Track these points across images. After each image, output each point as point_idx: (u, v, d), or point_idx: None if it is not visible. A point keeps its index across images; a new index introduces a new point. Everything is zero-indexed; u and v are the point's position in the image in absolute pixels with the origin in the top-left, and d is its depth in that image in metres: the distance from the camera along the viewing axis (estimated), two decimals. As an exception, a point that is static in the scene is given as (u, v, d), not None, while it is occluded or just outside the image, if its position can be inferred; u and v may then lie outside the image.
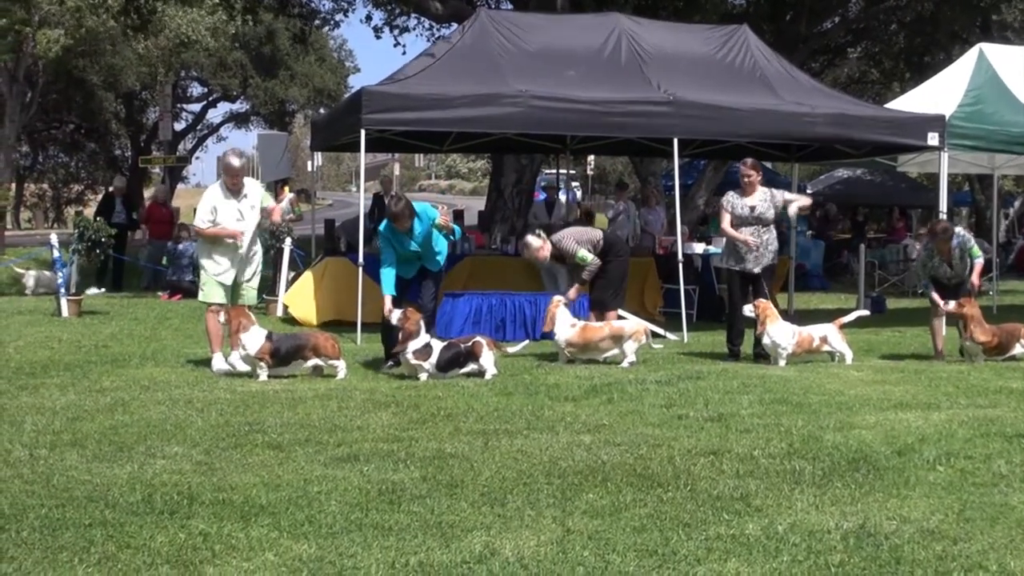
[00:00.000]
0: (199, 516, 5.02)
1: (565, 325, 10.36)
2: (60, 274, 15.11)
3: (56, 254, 15.35)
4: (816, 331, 10.53)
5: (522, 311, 12.52)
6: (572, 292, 11.07)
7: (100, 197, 25.61)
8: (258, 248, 10.25)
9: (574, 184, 31.87)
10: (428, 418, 7.52)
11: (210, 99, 52.37)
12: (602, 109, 12.82)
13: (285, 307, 14.89)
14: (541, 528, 4.90)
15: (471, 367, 9.48)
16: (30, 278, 17.90)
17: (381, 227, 10.21)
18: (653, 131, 13.36)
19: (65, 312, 14.72)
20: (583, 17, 16.03)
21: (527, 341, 10.61)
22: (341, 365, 9.43)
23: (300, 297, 14.48)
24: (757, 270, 10.77)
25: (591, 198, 53.74)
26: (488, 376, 9.39)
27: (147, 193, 46.52)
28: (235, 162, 9.93)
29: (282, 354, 9.26)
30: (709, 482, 5.74)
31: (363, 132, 12.41)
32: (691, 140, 13.81)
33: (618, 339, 10.37)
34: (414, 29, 29.10)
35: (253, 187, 10.18)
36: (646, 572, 4.36)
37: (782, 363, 10.25)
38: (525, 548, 4.60)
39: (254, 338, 9.16)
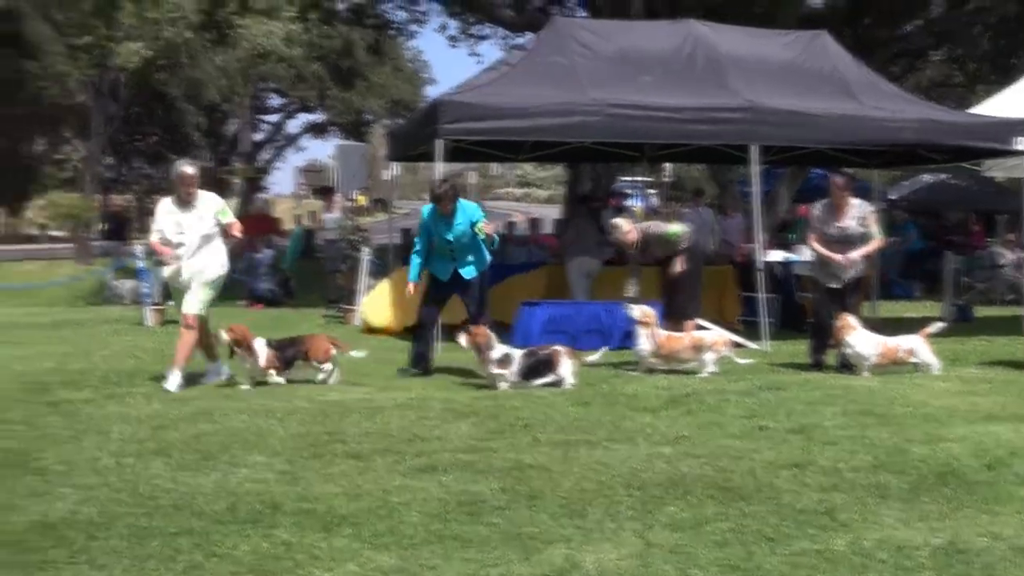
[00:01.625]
0: (282, 525, 5.06)
1: (647, 334, 10.30)
2: (145, 284, 15.38)
3: (141, 264, 15.63)
4: (903, 342, 10.35)
5: (598, 320, 12.46)
6: (631, 288, 11.17)
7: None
8: (209, 263, 9.55)
9: (650, 191, 31.67)
10: (507, 428, 7.51)
11: (288, 110, 53.03)
12: (679, 116, 12.73)
13: (363, 318, 14.98)
14: (622, 541, 4.86)
15: (550, 377, 9.46)
16: (125, 287, 18.23)
17: (423, 211, 10.32)
18: (731, 138, 13.22)
19: (149, 321, 14.99)
20: (658, 24, 15.95)
21: (605, 349, 10.56)
22: (327, 368, 9.60)
23: (378, 306, 14.56)
24: (836, 285, 10.65)
25: (667, 205, 53.43)
26: (566, 386, 9.37)
27: (229, 204, 47.24)
28: (188, 170, 9.49)
29: (285, 359, 9.52)
30: (793, 495, 5.65)
31: (440, 142, 12.45)
32: (770, 146, 13.66)
33: (698, 349, 10.28)
34: (489, 38, 29.18)
35: (207, 200, 9.62)
36: (730, 587, 4.30)
37: (866, 374, 10.08)
38: (606, 561, 4.57)
39: (262, 350, 9.39)
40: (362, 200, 40.45)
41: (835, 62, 14.18)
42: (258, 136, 51.84)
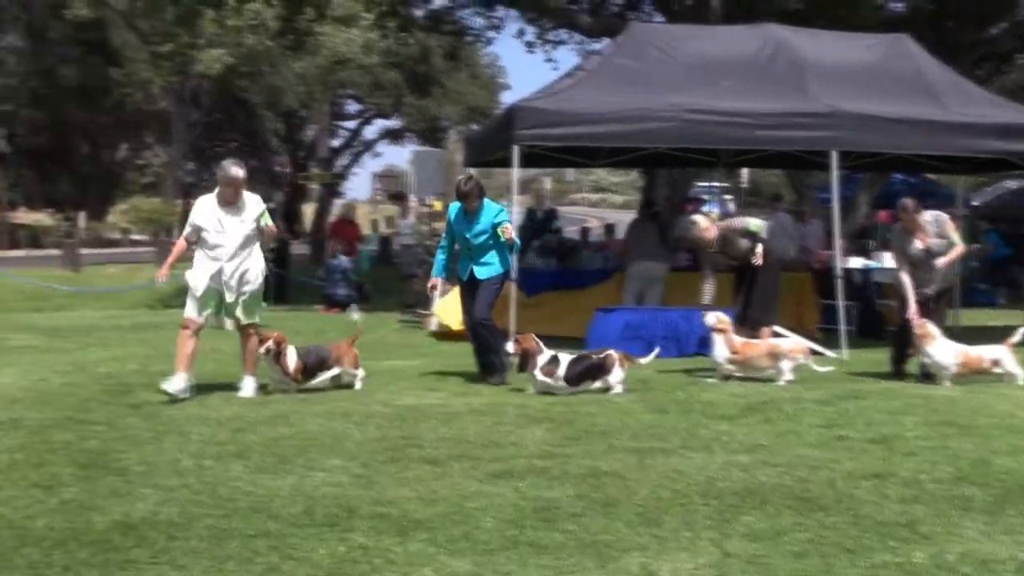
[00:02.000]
0: (358, 529, 5.09)
1: (722, 341, 10.21)
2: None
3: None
4: (986, 352, 10.14)
5: (675, 326, 12.39)
6: (707, 289, 11.10)
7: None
8: (250, 267, 9.33)
9: (727, 197, 31.44)
10: (582, 435, 7.49)
11: (365, 116, 53.48)
12: (757, 122, 12.61)
13: (439, 322, 15.04)
14: (698, 550, 4.82)
15: (599, 382, 9.40)
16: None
17: (450, 209, 10.35)
18: (811, 144, 13.07)
19: (228, 325, 15.16)
20: (737, 28, 15.81)
21: (658, 350, 10.42)
22: (359, 375, 9.62)
23: (452, 309, 14.60)
24: (929, 292, 10.50)
25: (743, 211, 52.98)
26: (612, 393, 9.31)
27: (306, 208, 47.77)
28: (236, 172, 9.16)
29: (310, 368, 9.41)
30: (873, 507, 5.56)
31: (516, 148, 12.47)
32: (850, 152, 13.48)
33: (775, 357, 10.17)
34: (565, 44, 29.13)
35: (252, 202, 9.33)
36: (808, 599, 4.24)
37: (947, 383, 9.90)
38: (682, 571, 4.53)
39: (292, 359, 9.27)
40: (438, 205, 40.67)
41: (918, 65, 13.96)
42: (336, 142, 52.34)
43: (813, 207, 19.29)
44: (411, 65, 42.82)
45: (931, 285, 10.52)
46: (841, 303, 12.66)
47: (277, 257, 18.70)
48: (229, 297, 9.24)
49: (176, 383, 8.86)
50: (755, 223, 11.08)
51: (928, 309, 10.45)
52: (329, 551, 4.75)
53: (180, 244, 9.50)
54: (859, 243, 20.36)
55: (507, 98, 54.82)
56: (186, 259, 9.50)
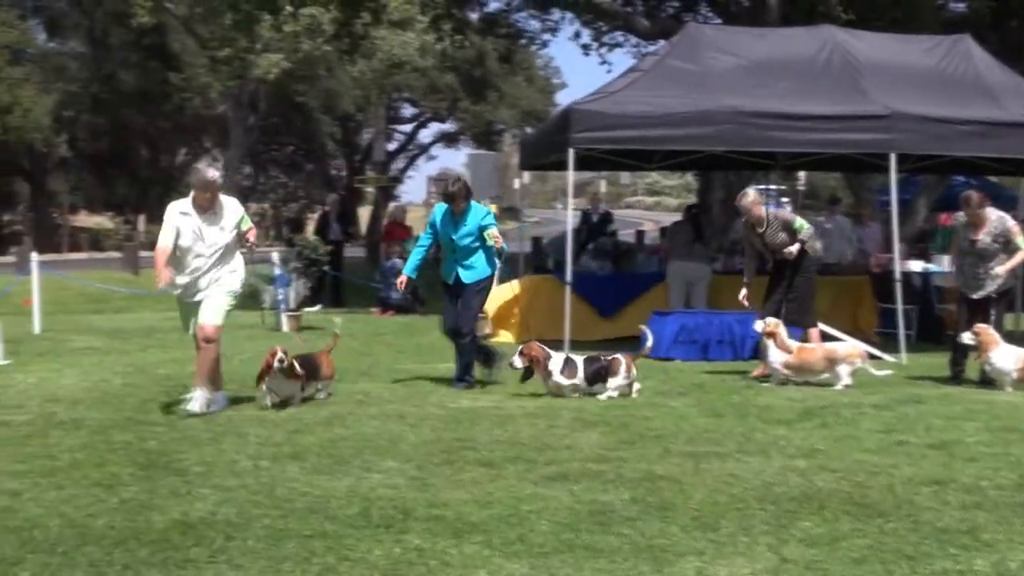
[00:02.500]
0: (414, 531, 5.11)
1: (776, 346, 10.13)
2: (280, 291, 15.73)
3: (277, 271, 15.99)
4: None
5: (730, 330, 12.32)
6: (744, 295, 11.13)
7: (317, 216, 26.55)
8: (227, 275, 8.63)
9: (784, 200, 31.19)
10: (637, 439, 7.47)
11: (421, 120, 53.72)
12: (815, 124, 12.52)
13: (492, 325, 15.05)
14: (755, 556, 4.78)
15: (611, 383, 9.31)
16: (267, 293, 18.68)
17: (436, 210, 10.19)
18: (869, 147, 12.94)
19: (285, 327, 15.31)
20: (795, 30, 15.68)
21: (650, 342, 10.20)
22: (322, 387, 9.15)
23: (504, 314, 14.61)
24: (976, 296, 10.35)
25: (800, 214, 52.52)
26: (603, 396, 9.23)
27: (362, 211, 48.05)
28: (212, 175, 8.47)
29: (310, 377, 8.94)
30: (933, 513, 5.49)
31: (571, 151, 12.46)
32: (909, 154, 13.32)
33: (832, 361, 10.07)
34: (621, 46, 29.06)
35: (230, 207, 8.64)
36: (867, 606, 4.19)
37: (1009, 389, 9.75)
38: (739, 576, 4.50)
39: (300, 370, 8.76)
40: (493, 208, 40.72)
41: (978, 67, 13.76)
42: (391, 145, 52.62)
43: (872, 210, 19.06)
44: (467, 68, 42.97)
45: (983, 286, 10.36)
46: (900, 307, 12.50)
47: (333, 260, 18.81)
48: (201, 298, 8.55)
49: (199, 401, 8.33)
50: (802, 222, 11.01)
51: (987, 312, 10.30)
52: (385, 552, 4.77)
53: (165, 249, 8.43)
54: (919, 246, 20.09)
55: (563, 100, 54.84)
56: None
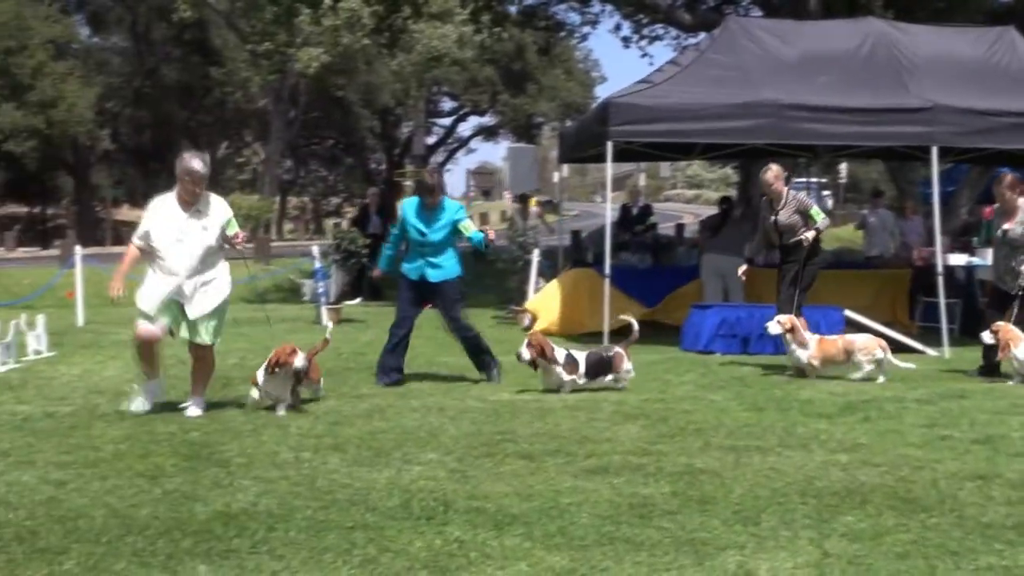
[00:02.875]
0: (454, 523, 5.11)
1: (795, 341, 10.05)
2: (320, 284, 15.80)
3: (317, 264, 16.07)
4: None
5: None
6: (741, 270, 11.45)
7: (357, 209, 26.67)
8: (215, 279, 8.06)
9: (825, 193, 30.97)
10: (677, 432, 7.44)
11: (460, 113, 53.79)
12: (856, 118, 12.43)
13: (533, 318, 15.06)
14: (797, 550, 4.75)
15: (610, 377, 9.28)
16: (306, 287, 18.80)
17: (405, 204, 9.91)
18: (910, 139, 12.84)
19: (325, 320, 15.38)
20: (837, 23, 15.57)
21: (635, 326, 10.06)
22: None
23: (544, 307, 14.62)
24: (1010, 290, 10.24)
25: (842, 207, 52.21)
26: (622, 386, 9.28)
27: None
28: (197, 166, 7.85)
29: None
30: (977, 508, 5.43)
31: (610, 144, 12.43)
32: (952, 147, 13.20)
33: (849, 352, 10.02)
34: (661, 39, 28.96)
35: (217, 206, 8.04)
36: (911, 601, 4.15)
37: None
38: (781, 570, 4.47)
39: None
40: (533, 202, 40.71)
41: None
42: (431, 139, 52.73)
43: (915, 203, 18.87)
44: (505, 61, 42.98)
45: (1016, 278, 10.23)
46: (943, 301, 12.38)
47: (372, 253, 18.86)
48: (192, 314, 7.99)
49: (139, 401, 8.02)
50: (819, 210, 10.92)
51: (1021, 306, 10.17)
52: (426, 544, 4.78)
53: (131, 251, 8.06)
54: (962, 240, 19.89)
55: (602, 92, 54.73)
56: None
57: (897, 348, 11.96)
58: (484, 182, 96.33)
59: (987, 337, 9.96)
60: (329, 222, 55.71)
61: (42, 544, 4.76)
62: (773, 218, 10.95)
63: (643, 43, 28.30)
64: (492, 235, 9.83)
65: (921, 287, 14.29)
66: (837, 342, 10.22)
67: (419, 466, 6.31)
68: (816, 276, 11.13)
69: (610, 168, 13.09)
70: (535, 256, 16.28)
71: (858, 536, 4.95)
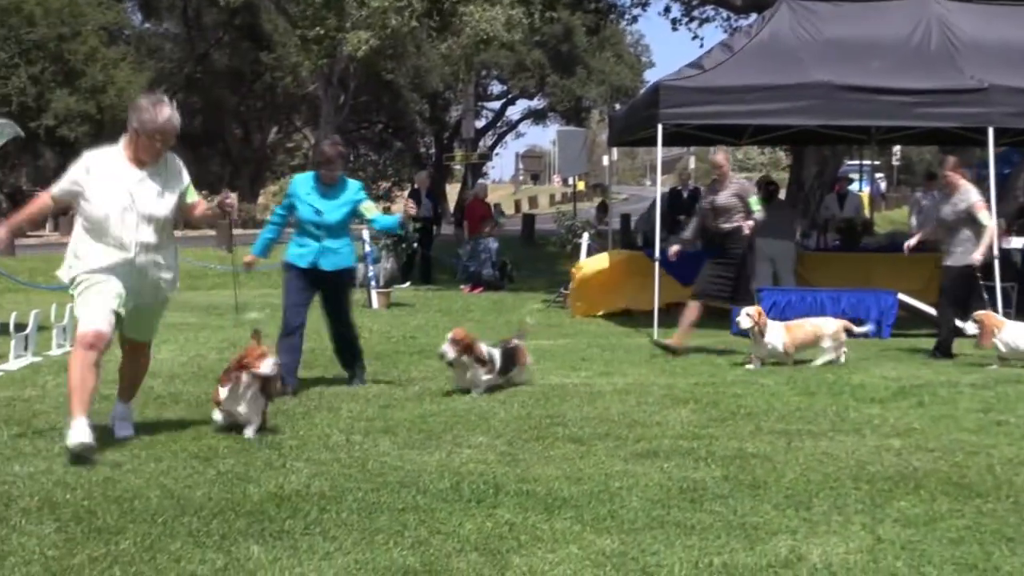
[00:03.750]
0: (504, 506, 5.13)
1: (777, 329, 9.96)
2: (371, 268, 15.88)
3: (368, 248, 16.14)
4: None
5: (822, 308, 12.15)
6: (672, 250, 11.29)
7: (407, 193, 26.73)
8: (163, 279, 6.51)
9: (878, 175, 30.64)
10: (728, 416, 7.41)
11: (509, 97, 53.75)
12: (910, 99, 12.27)
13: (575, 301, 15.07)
14: (850, 535, 4.72)
15: (514, 370, 8.77)
16: (358, 271, 18.92)
17: (295, 180, 8.60)
18: (965, 120, 12.66)
19: (375, 304, 15.46)
20: (891, 4, 15.34)
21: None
22: None
23: (586, 289, 14.57)
24: None
25: (896, 190, 51.64)
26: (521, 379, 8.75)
27: (450, 188, 48.32)
28: (166, 113, 6.28)
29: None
30: (1034, 494, 5.37)
31: (660, 127, 12.37)
32: (1008, 128, 12.98)
33: (819, 338, 10.02)
34: (712, 21, 28.72)
35: (176, 168, 6.54)
36: (966, 587, 4.11)
37: None
38: (833, 555, 4.44)
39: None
40: (581, 185, 40.59)
41: (1083, 37, 13.34)
42: (480, 123, 52.76)
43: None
44: (554, 44, 42.87)
45: None
46: (998, 284, 12.20)
47: (422, 237, 18.94)
48: (138, 301, 6.38)
49: (78, 432, 5.87)
50: (757, 201, 10.76)
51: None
52: (476, 526, 4.80)
53: (43, 201, 6.52)
54: (1019, 222, 19.60)
55: (651, 76, 54.47)
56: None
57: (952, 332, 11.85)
58: (533, 165, 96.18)
59: (969, 328, 9.88)
60: (379, 206, 55.95)
61: (99, 524, 4.83)
62: (711, 198, 10.84)
63: (693, 25, 28.08)
64: (411, 208, 8.93)
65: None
66: (805, 327, 10.14)
67: (469, 449, 6.33)
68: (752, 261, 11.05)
69: (660, 151, 13.02)
70: (585, 239, 16.24)
71: (911, 522, 4.91)
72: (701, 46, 38.68)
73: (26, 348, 10.01)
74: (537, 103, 54.53)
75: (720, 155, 11.01)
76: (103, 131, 43.63)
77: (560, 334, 12.53)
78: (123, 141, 6.36)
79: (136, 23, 51.43)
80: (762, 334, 9.84)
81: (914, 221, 17.12)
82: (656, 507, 5.12)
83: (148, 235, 6.29)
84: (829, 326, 10.17)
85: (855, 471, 5.83)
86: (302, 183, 8.40)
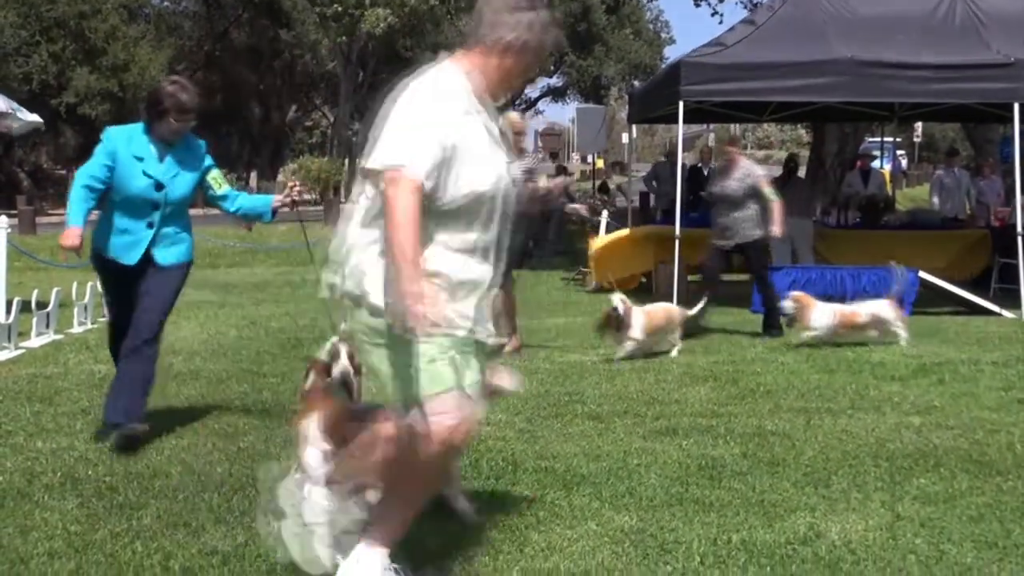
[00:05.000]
0: (523, 483, 5.14)
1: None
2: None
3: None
4: None
5: (842, 284, 12.11)
6: None
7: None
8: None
9: (900, 152, 30.43)
10: (747, 394, 7.41)
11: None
12: (934, 75, 12.17)
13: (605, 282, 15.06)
14: (869, 512, 4.71)
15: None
16: None
17: (112, 133, 6.12)
18: (990, 96, 12.57)
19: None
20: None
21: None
22: None
23: (604, 263, 14.59)
24: (726, 247, 10.54)
25: (917, 167, 51.30)
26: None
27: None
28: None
29: None
30: (1055, 472, 5.34)
31: (681, 104, 12.31)
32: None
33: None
34: (733, -3, 28.58)
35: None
36: (985, 565, 4.09)
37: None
38: (852, 532, 4.44)
39: None
40: (600, 163, 40.46)
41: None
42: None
43: (994, 162, 18.46)
44: (571, 22, 42.71)
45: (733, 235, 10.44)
46: (1022, 262, 12.13)
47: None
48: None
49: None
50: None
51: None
52: (495, 503, 4.81)
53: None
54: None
55: (671, 54, 54.17)
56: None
57: (974, 310, 11.81)
58: (552, 143, 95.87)
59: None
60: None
61: (120, 499, 4.86)
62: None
63: (714, 1, 27.93)
64: (295, 189, 6.54)
65: (998, 248, 14.00)
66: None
67: (488, 426, 6.32)
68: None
69: (680, 128, 12.98)
70: (604, 217, 16.22)
71: (931, 499, 4.90)
72: (721, 22, 38.54)
73: (48, 326, 10.08)
74: (556, 81, 54.38)
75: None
76: (124, 109, 43.76)
77: (578, 311, 12.52)
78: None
79: (156, 1, 51.46)
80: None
81: (936, 199, 17.01)
82: (675, 484, 5.12)
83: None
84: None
85: (874, 449, 5.81)
86: (124, 138, 6.05)
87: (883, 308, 9.74)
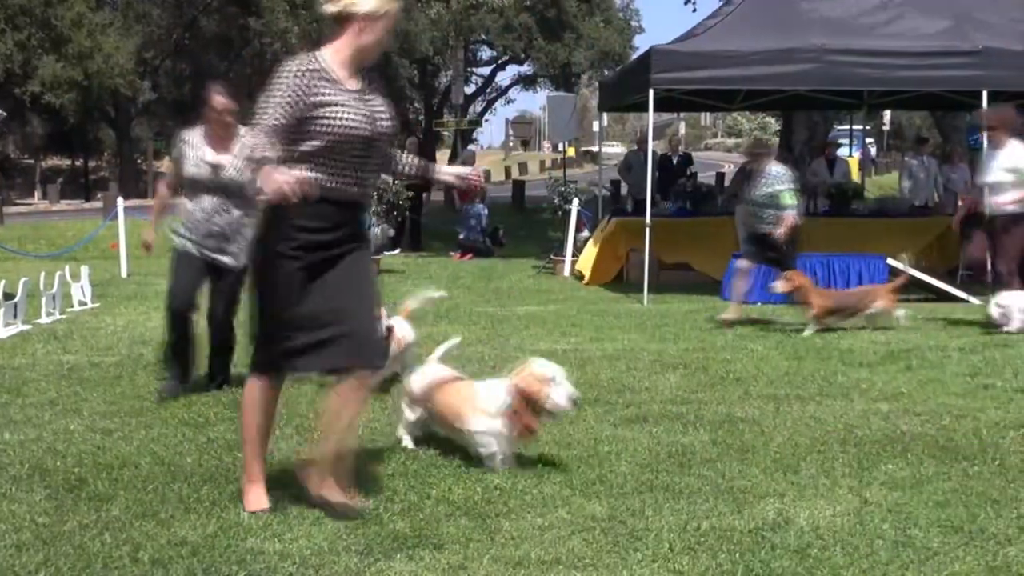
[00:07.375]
0: (493, 471, 5.14)
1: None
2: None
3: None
4: None
5: (812, 271, 12.16)
6: None
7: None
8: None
9: (868, 140, 30.57)
10: (717, 381, 7.44)
11: (499, 62, 53.48)
12: (904, 62, 12.22)
13: (576, 271, 15.07)
14: (837, 498, 4.75)
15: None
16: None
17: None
18: (960, 84, 12.61)
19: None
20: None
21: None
22: None
23: (586, 258, 14.65)
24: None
25: (886, 155, 51.57)
26: None
27: (440, 155, 48.19)
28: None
29: None
30: (1020, 457, 5.40)
31: (651, 92, 12.32)
32: (1003, 91, 12.94)
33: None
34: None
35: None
36: (951, 549, 4.13)
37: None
38: (820, 518, 4.47)
39: None
40: (571, 151, 40.44)
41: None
42: (470, 88, 52.49)
43: (962, 150, 18.58)
44: (541, 8, 42.64)
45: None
46: (987, 249, 12.22)
47: (413, 204, 18.88)
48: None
49: None
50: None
51: None
52: (466, 491, 4.81)
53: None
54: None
55: (642, 42, 54.25)
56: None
57: (941, 297, 11.90)
58: (523, 131, 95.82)
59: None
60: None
61: (90, 491, 4.84)
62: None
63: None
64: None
65: (966, 235, 14.10)
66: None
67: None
68: None
69: (651, 116, 12.98)
70: (575, 206, 16.22)
71: (898, 484, 4.94)
72: (694, 10, 38.58)
73: (15, 316, 10.00)
74: (527, 68, 54.25)
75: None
76: (90, 98, 43.41)
77: (550, 300, 12.54)
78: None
79: (124, -12, 51.01)
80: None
81: (906, 186, 17.11)
82: (645, 471, 5.15)
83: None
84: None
85: (843, 435, 5.86)
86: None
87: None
